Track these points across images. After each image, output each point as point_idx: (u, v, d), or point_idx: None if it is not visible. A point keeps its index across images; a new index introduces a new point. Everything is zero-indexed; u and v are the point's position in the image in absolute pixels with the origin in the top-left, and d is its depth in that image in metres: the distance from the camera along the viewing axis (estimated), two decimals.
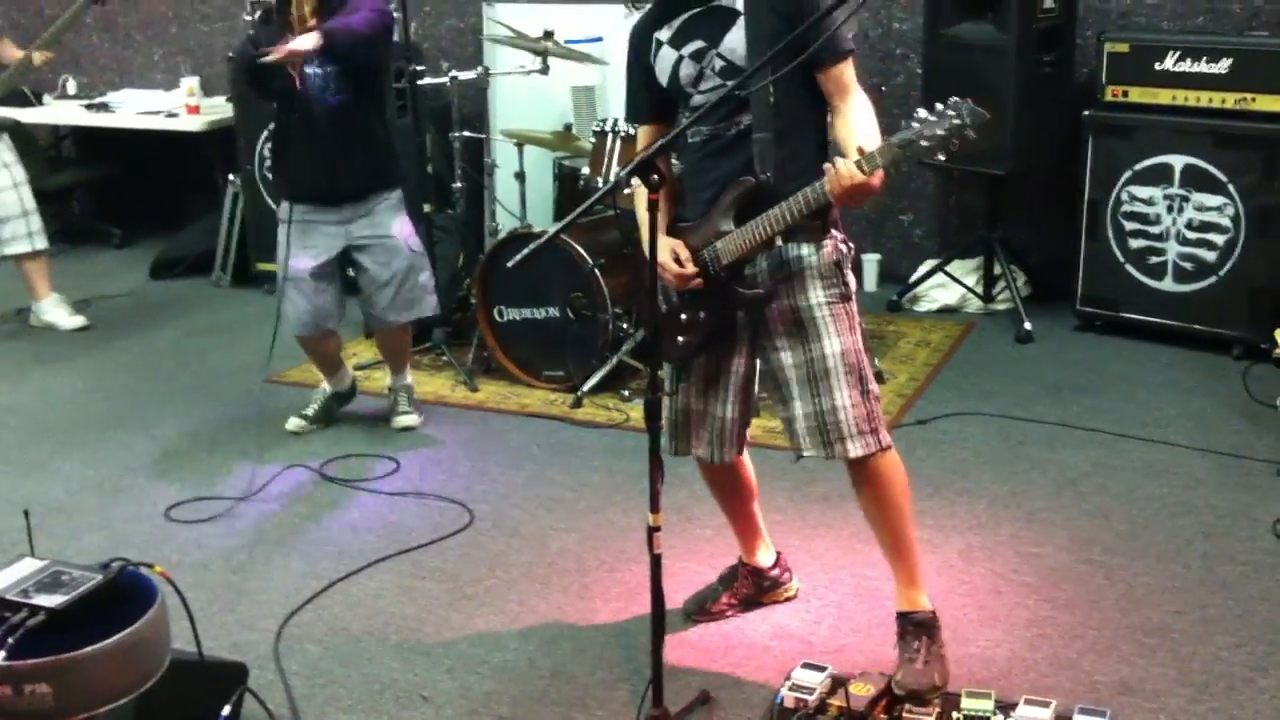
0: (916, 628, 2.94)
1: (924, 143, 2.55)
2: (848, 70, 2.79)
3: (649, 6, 2.98)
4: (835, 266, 2.85)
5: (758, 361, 3.00)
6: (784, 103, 2.78)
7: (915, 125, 2.56)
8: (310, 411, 4.66)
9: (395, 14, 6.06)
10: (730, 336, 2.96)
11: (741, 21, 2.78)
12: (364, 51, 4.16)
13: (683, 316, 2.95)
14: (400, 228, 4.39)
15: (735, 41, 2.79)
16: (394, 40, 4.46)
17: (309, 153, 4.25)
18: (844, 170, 2.59)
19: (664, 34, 2.91)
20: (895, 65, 5.86)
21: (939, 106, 2.56)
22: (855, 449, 2.82)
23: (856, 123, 2.75)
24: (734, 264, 2.85)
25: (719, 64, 2.81)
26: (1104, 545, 3.62)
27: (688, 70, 2.86)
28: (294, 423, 4.63)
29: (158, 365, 5.38)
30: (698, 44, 2.85)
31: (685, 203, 3.00)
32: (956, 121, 2.54)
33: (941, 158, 2.59)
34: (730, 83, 2.74)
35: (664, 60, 2.90)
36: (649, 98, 3.01)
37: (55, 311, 5.86)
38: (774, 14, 2.70)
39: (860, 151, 2.60)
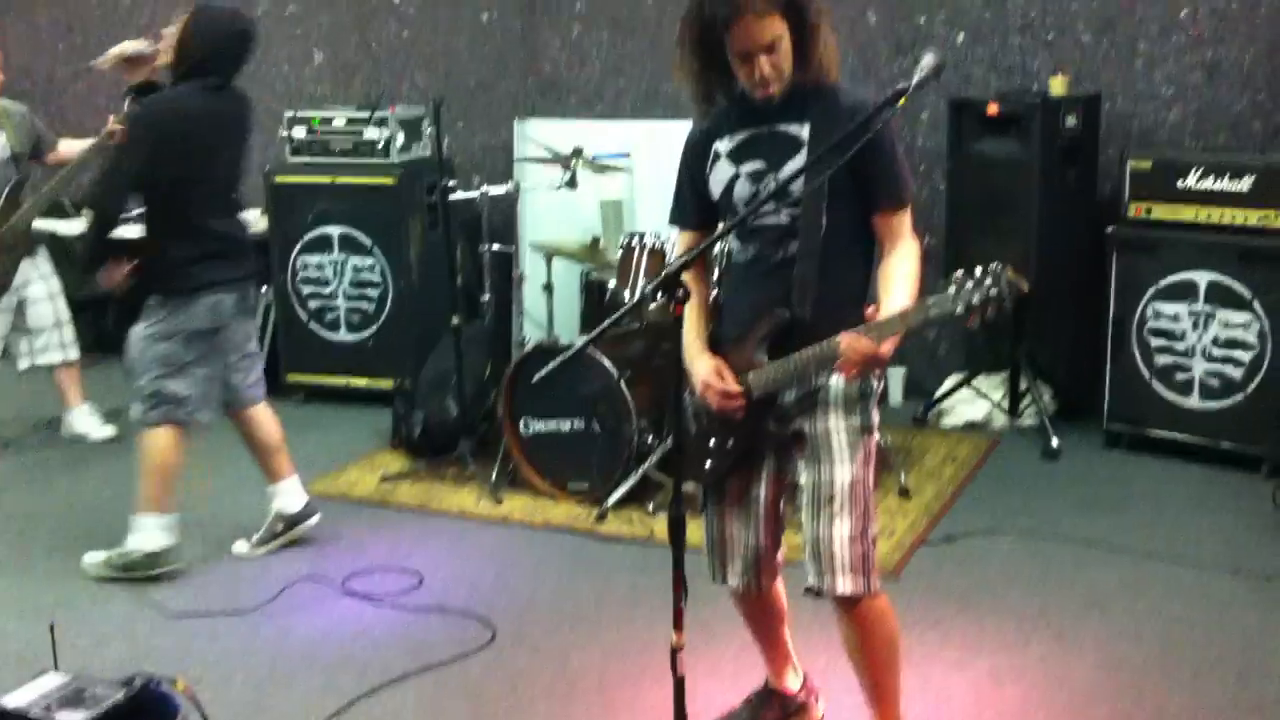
0: None
1: (958, 308, 2.54)
2: (904, 218, 2.80)
3: (710, 115, 2.95)
4: (861, 398, 2.83)
5: (784, 485, 2.99)
6: (833, 239, 2.77)
7: (951, 290, 2.55)
8: (255, 537, 4.59)
9: (428, 130, 6.23)
10: (757, 463, 2.95)
11: (805, 152, 2.77)
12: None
13: (711, 442, 2.94)
14: (136, 332, 4.33)
15: (796, 169, 2.76)
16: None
17: None
18: (852, 341, 2.59)
19: (724, 146, 2.89)
20: (919, 181, 5.92)
21: (977, 271, 2.54)
22: (844, 586, 2.78)
23: (889, 277, 2.74)
24: (765, 396, 2.85)
25: (776, 187, 2.77)
26: (1134, 666, 3.57)
27: (743, 189, 2.84)
28: (238, 546, 4.57)
29: (187, 475, 5.39)
30: (757, 164, 2.83)
31: (724, 322, 3.00)
32: (994, 291, 2.52)
33: (975, 324, 2.57)
34: (784, 209, 2.76)
35: (720, 173, 2.89)
36: (696, 204, 3.00)
37: (86, 421, 5.92)
38: (839, 153, 2.64)
39: (870, 316, 2.60)
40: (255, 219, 6.78)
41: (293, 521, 4.59)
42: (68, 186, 5.77)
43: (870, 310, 2.64)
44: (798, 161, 2.78)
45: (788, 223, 2.80)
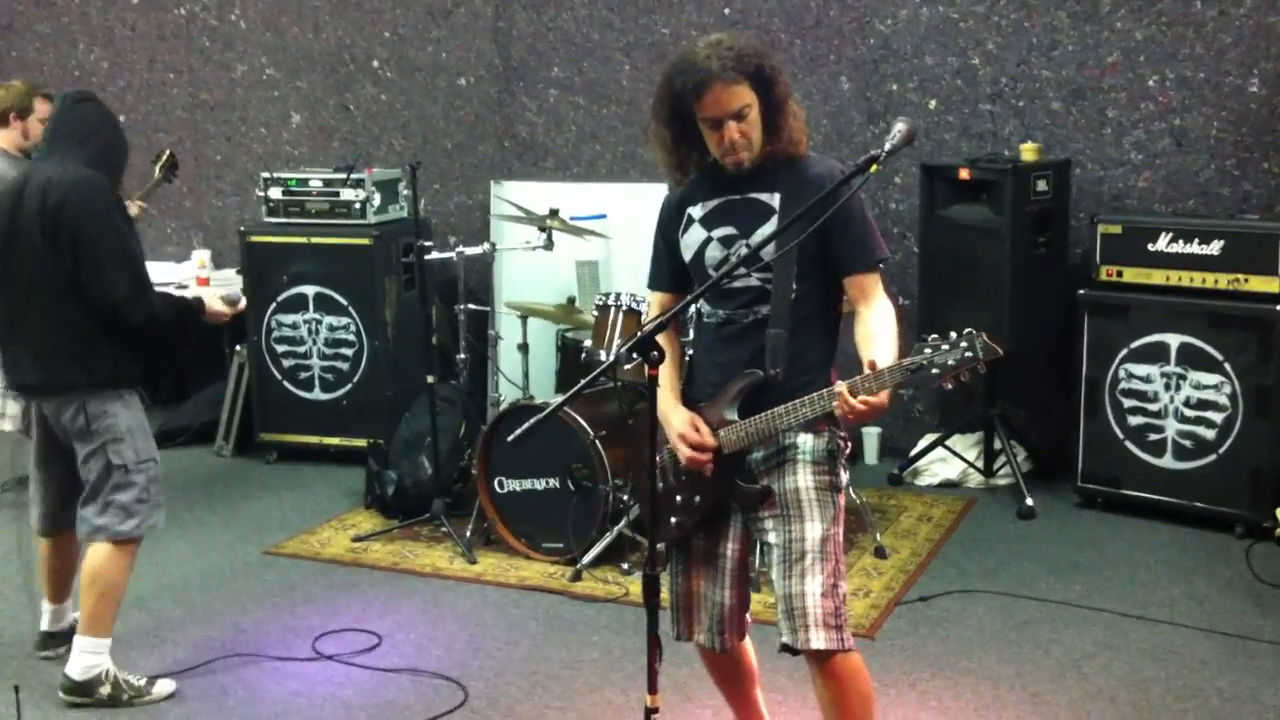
0: None
1: (934, 370, 2.60)
2: (877, 280, 2.86)
3: (685, 183, 2.99)
4: (829, 455, 2.86)
5: (753, 542, 2.99)
6: (803, 301, 2.83)
7: (927, 351, 2.61)
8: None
9: (405, 192, 6.24)
10: (724, 520, 2.95)
11: (775, 220, 2.83)
12: None
13: (678, 498, 2.95)
14: None
15: (767, 234, 2.81)
16: None
17: None
18: (850, 393, 2.63)
19: (697, 211, 2.94)
20: (893, 245, 5.97)
21: (953, 335, 2.60)
22: (818, 640, 2.77)
23: (875, 333, 2.79)
24: (735, 454, 2.86)
25: (748, 253, 2.82)
26: None
27: (714, 253, 2.90)
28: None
29: (156, 536, 5.32)
30: (729, 230, 2.89)
31: (694, 382, 3.03)
32: (969, 354, 2.59)
33: (949, 386, 2.63)
34: (755, 274, 2.80)
35: (692, 237, 2.94)
36: (670, 267, 3.04)
37: None
38: (809, 220, 2.72)
39: (871, 366, 2.64)
40: (231, 278, 6.78)
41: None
42: None
43: (869, 361, 2.67)
44: (769, 228, 2.83)
45: (759, 285, 2.84)
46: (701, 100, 2.77)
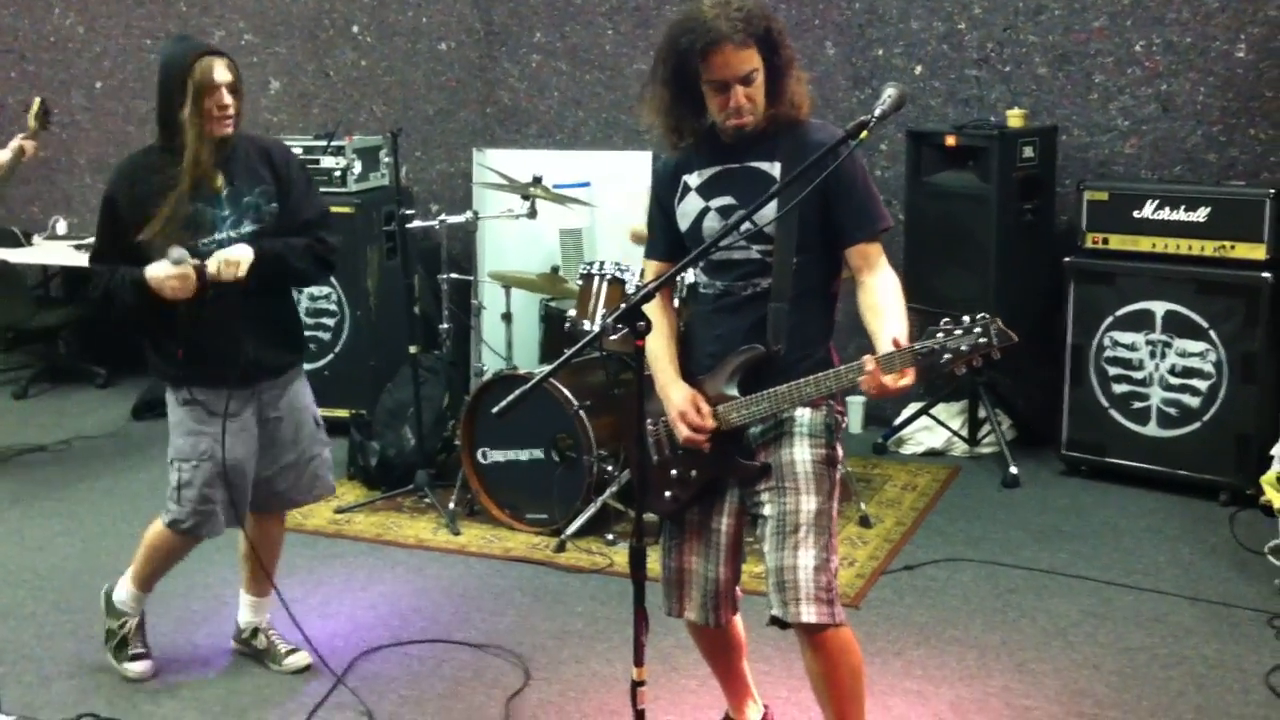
0: None
1: (946, 355, 2.55)
2: (880, 249, 2.82)
3: (681, 147, 2.92)
4: (826, 429, 2.83)
5: (746, 517, 2.96)
6: (804, 273, 2.79)
7: (940, 336, 2.56)
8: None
9: (386, 159, 6.19)
10: (719, 494, 2.92)
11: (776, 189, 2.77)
12: None
13: (673, 472, 2.91)
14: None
15: (766, 206, 2.73)
16: None
17: None
18: (881, 372, 2.58)
19: (693, 179, 2.88)
20: None
21: (965, 319, 2.55)
22: (809, 614, 2.75)
23: (885, 304, 2.75)
24: (734, 430, 2.83)
25: (745, 225, 2.75)
26: (1095, 698, 3.56)
27: (711, 223, 2.84)
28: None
29: (137, 507, 5.30)
30: (727, 200, 2.83)
31: (690, 355, 2.97)
32: (983, 340, 2.54)
33: (960, 371, 2.59)
34: (755, 246, 2.77)
35: (689, 205, 2.88)
36: (668, 235, 2.97)
37: None
38: (803, 186, 2.64)
39: (896, 343, 2.59)
40: None
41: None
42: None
43: (894, 338, 2.61)
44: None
45: (758, 258, 2.79)
46: (710, 62, 2.70)
